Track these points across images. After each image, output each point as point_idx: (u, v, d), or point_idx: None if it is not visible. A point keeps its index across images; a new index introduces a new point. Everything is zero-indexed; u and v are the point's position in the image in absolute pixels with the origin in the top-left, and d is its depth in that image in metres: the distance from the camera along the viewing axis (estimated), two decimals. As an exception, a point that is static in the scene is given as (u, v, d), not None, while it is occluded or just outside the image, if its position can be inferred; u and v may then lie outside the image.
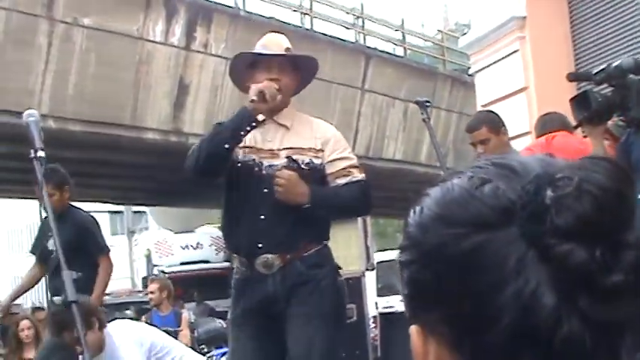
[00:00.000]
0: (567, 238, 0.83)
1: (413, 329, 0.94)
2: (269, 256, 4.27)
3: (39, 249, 6.98)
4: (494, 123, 5.44)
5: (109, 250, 6.90)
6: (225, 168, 4.33)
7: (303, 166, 4.33)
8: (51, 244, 6.27)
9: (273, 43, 4.48)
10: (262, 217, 4.29)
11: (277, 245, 4.27)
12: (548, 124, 5.43)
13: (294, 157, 4.34)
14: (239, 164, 4.34)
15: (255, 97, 4.25)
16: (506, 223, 0.87)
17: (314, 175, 4.33)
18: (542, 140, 5.20)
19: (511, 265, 0.85)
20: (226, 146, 4.25)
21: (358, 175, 4.42)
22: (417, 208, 0.95)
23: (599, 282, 0.83)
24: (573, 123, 4.82)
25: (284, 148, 4.36)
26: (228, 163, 4.31)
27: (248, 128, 4.27)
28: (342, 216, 4.73)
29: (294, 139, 4.37)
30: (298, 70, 4.52)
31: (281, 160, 4.34)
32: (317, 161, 4.36)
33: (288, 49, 4.46)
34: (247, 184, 4.34)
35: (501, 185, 0.89)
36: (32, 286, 7.33)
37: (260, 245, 4.28)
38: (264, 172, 4.34)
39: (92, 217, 7.09)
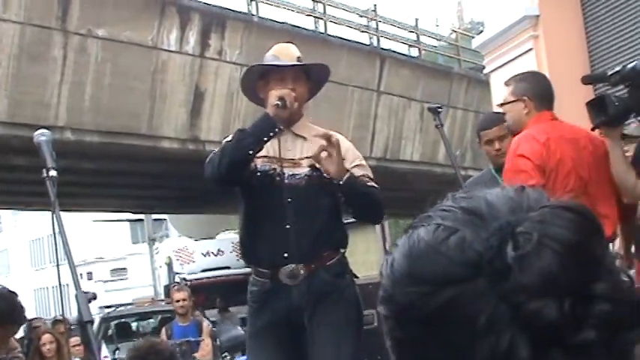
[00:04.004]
0: (535, 295, 0.82)
1: None
2: (294, 265, 4.22)
3: None
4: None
5: None
6: (244, 175, 4.26)
7: (326, 174, 4.27)
8: None
9: (284, 54, 4.43)
10: (287, 226, 4.23)
11: (303, 255, 4.21)
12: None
13: (318, 166, 4.27)
14: (258, 173, 4.29)
15: (278, 102, 4.21)
16: (474, 275, 0.85)
17: (334, 185, 4.26)
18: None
19: (483, 320, 0.84)
20: (250, 152, 4.19)
21: (375, 185, 4.39)
22: (390, 260, 0.94)
23: (570, 337, 0.82)
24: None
25: (305, 157, 4.32)
26: (249, 170, 4.26)
27: (271, 134, 4.22)
28: (362, 211, 4.41)
29: (313, 149, 4.29)
30: (310, 79, 4.50)
31: (303, 169, 4.31)
32: None
33: (299, 58, 4.43)
34: (269, 193, 4.28)
35: (468, 235, 0.87)
36: None
37: (286, 255, 4.22)
38: (286, 181, 4.30)
39: None
